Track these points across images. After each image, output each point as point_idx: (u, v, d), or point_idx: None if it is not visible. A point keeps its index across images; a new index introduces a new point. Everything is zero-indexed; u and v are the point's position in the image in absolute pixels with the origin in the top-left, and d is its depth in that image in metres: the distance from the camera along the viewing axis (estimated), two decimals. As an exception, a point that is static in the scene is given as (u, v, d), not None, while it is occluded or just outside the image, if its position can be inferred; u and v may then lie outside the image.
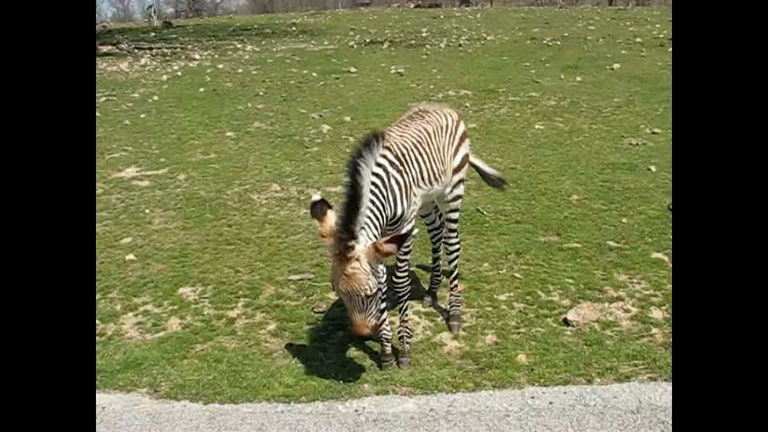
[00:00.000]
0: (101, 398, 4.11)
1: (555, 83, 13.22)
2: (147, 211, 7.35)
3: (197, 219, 7.06)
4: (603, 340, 4.52)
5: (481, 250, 6.02)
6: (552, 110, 11.13)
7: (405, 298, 4.36)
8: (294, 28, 27.31)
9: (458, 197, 4.66)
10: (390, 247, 3.63)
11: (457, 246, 4.86)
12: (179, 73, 16.60)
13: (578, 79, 13.48)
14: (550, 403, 3.88)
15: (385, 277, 4.01)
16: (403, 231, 4.03)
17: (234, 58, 18.82)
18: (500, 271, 5.58)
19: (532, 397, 3.94)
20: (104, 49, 21.82)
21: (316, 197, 3.95)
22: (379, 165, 3.87)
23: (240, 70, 16.54)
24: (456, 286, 4.86)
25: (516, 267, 5.64)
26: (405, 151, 4.08)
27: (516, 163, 8.46)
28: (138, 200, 7.69)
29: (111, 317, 5.12)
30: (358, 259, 3.62)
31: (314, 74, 15.52)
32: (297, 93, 13.55)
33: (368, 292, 3.67)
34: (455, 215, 4.74)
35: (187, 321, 5.02)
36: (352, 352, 4.52)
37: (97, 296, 5.46)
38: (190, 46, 22.00)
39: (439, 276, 5.17)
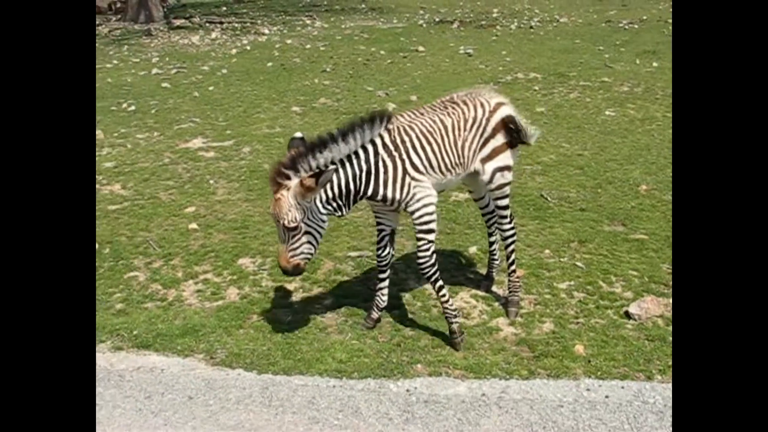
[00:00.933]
0: (160, 360, 4.25)
1: (629, 68, 12.80)
2: (211, 181, 7.50)
3: (260, 191, 7.16)
4: (666, 336, 4.37)
5: (543, 236, 5.91)
6: (624, 96, 10.78)
7: (432, 278, 4.29)
8: (363, 6, 27.25)
9: (501, 186, 4.51)
10: (309, 181, 3.82)
11: (512, 232, 4.75)
12: (248, 48, 16.82)
13: (655, 64, 13.00)
14: (606, 396, 3.79)
15: (324, 226, 4.07)
16: (414, 214, 4.16)
17: (303, 34, 18.94)
18: (561, 259, 5.47)
19: (588, 390, 3.86)
20: (177, 22, 22.29)
21: (298, 135, 4.20)
22: (372, 142, 4.04)
23: (308, 46, 16.63)
24: (514, 271, 4.78)
25: (578, 256, 5.52)
26: (407, 139, 4.12)
27: (584, 149, 8.24)
28: (203, 171, 7.86)
29: (173, 283, 5.27)
30: (287, 189, 3.87)
31: (382, 52, 15.47)
32: (364, 70, 13.54)
33: (287, 223, 3.89)
34: (502, 202, 4.61)
35: (245, 291, 5.12)
36: (407, 331, 4.52)
37: (160, 263, 5.62)
38: (259, 21, 22.24)
39: (496, 260, 5.09)
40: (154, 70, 14.24)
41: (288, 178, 3.87)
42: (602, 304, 4.79)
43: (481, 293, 5.01)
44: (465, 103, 4.41)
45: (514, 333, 4.49)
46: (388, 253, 4.59)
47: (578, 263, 5.38)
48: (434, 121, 4.27)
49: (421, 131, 4.19)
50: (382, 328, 4.57)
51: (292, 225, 3.90)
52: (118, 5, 29.38)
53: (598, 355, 4.19)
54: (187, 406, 3.76)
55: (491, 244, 5.07)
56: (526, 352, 4.27)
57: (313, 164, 3.89)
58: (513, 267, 4.78)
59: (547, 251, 5.61)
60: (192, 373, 4.09)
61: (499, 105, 4.47)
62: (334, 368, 4.11)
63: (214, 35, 19.23)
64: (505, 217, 4.68)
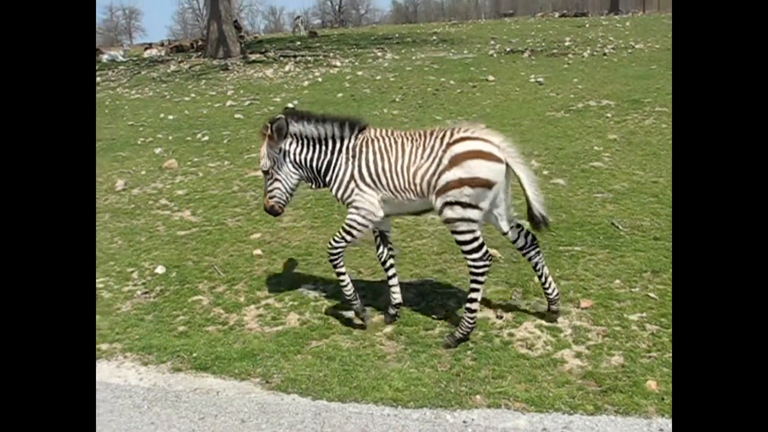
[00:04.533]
0: (216, 383, 4.26)
1: (709, 94, 12.31)
2: (278, 208, 7.58)
3: (325, 218, 7.20)
4: (747, 372, 4.06)
5: (613, 266, 5.66)
6: (704, 123, 10.34)
7: (335, 264, 4.71)
8: (434, 37, 27.47)
9: (450, 221, 4.34)
10: (269, 130, 4.67)
11: (478, 270, 4.42)
12: (320, 79, 17.17)
13: (736, 90, 12.47)
14: (681, 436, 3.52)
15: (293, 181, 4.80)
16: (347, 216, 4.63)
17: (373, 66, 19.20)
18: (633, 290, 5.20)
19: (661, 430, 3.60)
20: (253, 57, 23.04)
21: (291, 105, 4.93)
22: (340, 139, 4.63)
23: (378, 77, 16.83)
24: (469, 308, 4.52)
25: (651, 286, 5.24)
26: (365, 150, 4.57)
27: (659, 176, 7.92)
28: (270, 198, 7.96)
29: (235, 308, 5.31)
30: (264, 140, 4.74)
31: (451, 82, 15.47)
32: (433, 100, 13.56)
33: (260, 166, 4.84)
34: (459, 237, 4.38)
35: (305, 317, 5.10)
36: (467, 360, 4.37)
37: (224, 287, 5.69)
38: (332, 54, 22.71)
39: (548, 291, 4.78)
40: (229, 102, 14.70)
41: (267, 128, 4.66)
42: (677, 338, 4.50)
43: (546, 324, 4.81)
44: (431, 134, 4.49)
45: (580, 366, 4.27)
46: (382, 252, 4.97)
47: (651, 294, 5.10)
48: (396, 143, 4.55)
49: (380, 147, 4.55)
50: (441, 357, 4.44)
51: (263, 169, 4.78)
52: (200, 43, 30.70)
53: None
54: (239, 429, 3.73)
55: (539, 276, 4.84)
56: (593, 386, 4.04)
57: (291, 130, 4.65)
58: (469, 304, 4.51)
59: (617, 281, 5.36)
60: (247, 397, 4.07)
61: (462, 139, 4.32)
62: (390, 396, 4.00)
63: (287, 68, 19.74)
64: (468, 252, 4.41)
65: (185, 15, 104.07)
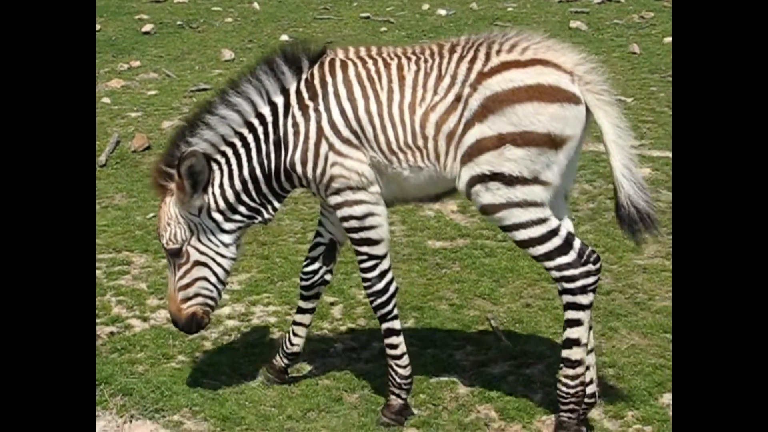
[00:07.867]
0: None
1: None
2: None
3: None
4: None
5: None
6: None
7: (381, 313, 3.57)
8: None
9: (488, 209, 3.27)
10: (167, 176, 3.49)
11: (567, 288, 3.29)
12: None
13: None
14: None
15: (230, 254, 3.59)
16: (337, 212, 3.45)
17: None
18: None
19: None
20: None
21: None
22: (284, 92, 3.41)
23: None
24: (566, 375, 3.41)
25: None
26: (330, 81, 3.37)
27: None
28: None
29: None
30: (168, 196, 3.51)
31: None
32: None
33: (165, 243, 3.52)
34: (517, 236, 3.26)
35: None
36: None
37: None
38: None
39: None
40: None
41: (167, 178, 3.52)
42: None
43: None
44: (453, 49, 3.32)
45: None
46: (317, 271, 3.81)
47: None
48: (388, 66, 3.34)
49: (360, 74, 3.34)
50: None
51: (172, 246, 3.50)
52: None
53: None
54: None
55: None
56: None
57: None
58: (567, 349, 3.41)
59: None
60: None
61: (504, 66, 3.17)
62: None
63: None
64: (541, 258, 3.29)
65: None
